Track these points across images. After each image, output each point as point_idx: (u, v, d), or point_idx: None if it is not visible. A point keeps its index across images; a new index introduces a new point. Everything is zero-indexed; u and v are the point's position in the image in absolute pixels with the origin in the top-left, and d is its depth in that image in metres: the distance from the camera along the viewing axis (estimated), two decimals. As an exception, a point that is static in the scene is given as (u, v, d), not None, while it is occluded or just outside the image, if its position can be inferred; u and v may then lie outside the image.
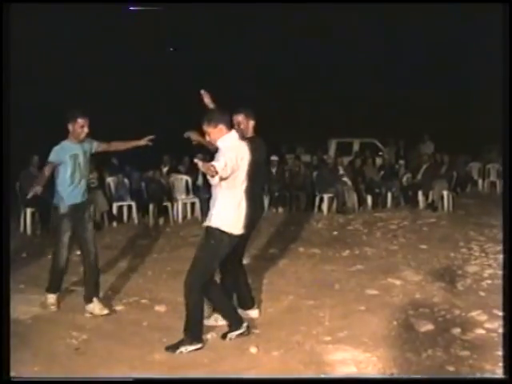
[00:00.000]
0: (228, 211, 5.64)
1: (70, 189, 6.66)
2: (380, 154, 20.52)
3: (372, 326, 6.18)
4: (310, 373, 5.09)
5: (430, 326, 6.08)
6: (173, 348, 5.69)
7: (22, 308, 6.90)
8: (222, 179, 5.44)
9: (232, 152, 5.55)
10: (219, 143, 5.68)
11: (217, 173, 5.26)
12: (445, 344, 5.64)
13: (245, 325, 5.96)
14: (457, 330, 5.96)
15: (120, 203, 13.23)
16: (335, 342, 5.76)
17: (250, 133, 6.57)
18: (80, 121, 6.60)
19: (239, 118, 6.54)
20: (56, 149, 6.62)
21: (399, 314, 6.49)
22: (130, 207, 13.31)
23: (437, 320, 6.31)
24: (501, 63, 5.78)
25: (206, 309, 6.04)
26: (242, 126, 6.50)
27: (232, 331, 5.95)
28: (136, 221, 13.17)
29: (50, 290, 7.02)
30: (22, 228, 11.99)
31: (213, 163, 5.32)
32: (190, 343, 5.68)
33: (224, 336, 5.96)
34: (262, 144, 6.55)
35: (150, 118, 22.66)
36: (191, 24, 25.16)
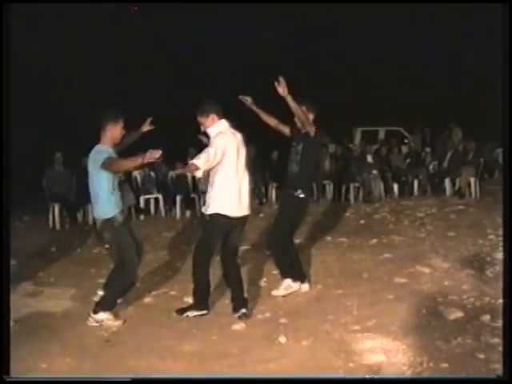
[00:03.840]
0: (224, 194, 6.17)
1: (115, 195, 6.27)
2: (406, 141, 20.40)
3: (401, 314, 6.15)
4: (339, 362, 5.08)
5: (459, 314, 6.04)
6: (180, 312, 6.45)
7: (51, 301, 6.98)
8: (211, 167, 6.08)
9: (220, 138, 6.12)
10: (209, 130, 6.24)
11: (198, 168, 5.93)
12: (474, 331, 5.60)
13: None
14: (486, 317, 5.91)
15: (147, 196, 13.31)
16: (364, 331, 5.75)
17: None
18: (121, 123, 6.28)
19: (302, 108, 6.66)
20: (106, 150, 6.13)
21: (428, 302, 6.45)
22: (156, 200, 13.40)
23: (466, 307, 6.27)
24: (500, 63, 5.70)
25: None
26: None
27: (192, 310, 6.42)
28: (163, 213, 13.24)
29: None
30: (50, 223, 12.10)
31: (193, 161, 5.96)
32: (196, 309, 6.39)
33: (181, 311, 6.46)
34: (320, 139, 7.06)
35: (175, 110, 22.77)
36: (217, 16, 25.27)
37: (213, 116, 6.22)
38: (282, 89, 6.40)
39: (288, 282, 6.97)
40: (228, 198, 6.17)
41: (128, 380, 4.81)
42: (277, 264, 7.16)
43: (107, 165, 5.98)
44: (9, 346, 4.96)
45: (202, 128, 6.30)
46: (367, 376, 4.81)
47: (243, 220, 6.44)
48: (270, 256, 7.27)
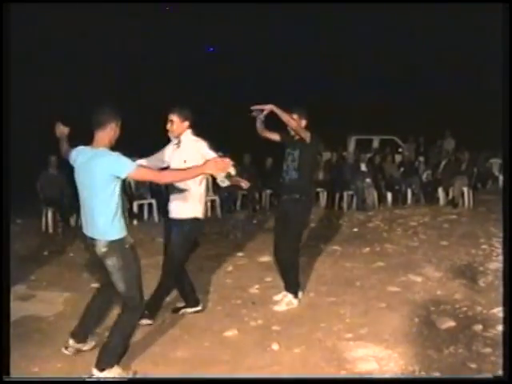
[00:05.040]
0: (199, 199, 6.22)
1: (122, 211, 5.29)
2: (400, 150, 20.46)
3: (393, 322, 6.17)
4: (332, 370, 5.09)
5: (451, 323, 6.06)
6: (176, 310, 6.68)
7: (44, 305, 6.96)
8: None
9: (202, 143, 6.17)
10: (186, 137, 6.18)
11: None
12: (466, 341, 5.62)
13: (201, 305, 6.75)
14: (478, 327, 5.94)
15: (141, 201, 13.28)
16: (356, 339, 5.76)
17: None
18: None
19: (293, 116, 6.64)
20: (119, 155, 4.81)
21: (420, 311, 6.48)
22: (150, 205, 13.37)
23: (458, 317, 6.29)
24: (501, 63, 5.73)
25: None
26: None
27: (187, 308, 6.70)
28: (156, 219, 13.21)
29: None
30: (43, 227, 12.07)
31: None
32: (191, 306, 6.66)
33: (177, 310, 6.70)
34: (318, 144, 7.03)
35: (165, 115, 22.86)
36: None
37: (187, 123, 6.18)
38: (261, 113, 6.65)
39: (290, 297, 6.91)
40: (201, 202, 6.27)
41: (125, 380, 4.81)
42: (283, 275, 7.09)
43: (141, 173, 4.91)
44: (9, 346, 4.95)
45: (172, 129, 6.17)
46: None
47: None
48: (281, 267, 7.16)
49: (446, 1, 21.80)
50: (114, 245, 4.90)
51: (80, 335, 5.54)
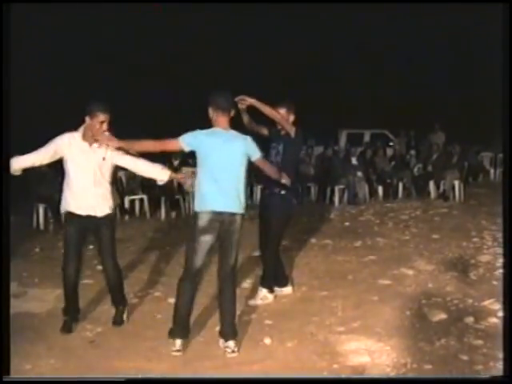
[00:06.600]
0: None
1: None
2: (391, 144, 20.49)
3: (385, 315, 6.19)
4: (324, 363, 5.11)
5: (442, 316, 6.08)
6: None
7: (36, 302, 6.95)
8: None
9: None
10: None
11: None
12: (458, 333, 5.64)
13: None
14: (470, 319, 5.96)
15: (132, 197, 13.25)
16: (348, 332, 5.78)
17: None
18: None
19: (281, 111, 6.60)
20: None
21: (412, 304, 6.50)
22: (141, 201, 13.34)
23: (450, 309, 6.31)
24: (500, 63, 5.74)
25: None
26: None
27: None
28: (148, 214, 13.20)
29: None
30: (34, 224, 12.04)
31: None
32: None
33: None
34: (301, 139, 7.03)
35: (162, 111, 22.81)
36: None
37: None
38: (241, 104, 6.39)
39: (265, 292, 6.90)
40: None
41: (122, 380, 4.81)
42: (266, 270, 7.00)
43: (262, 162, 5.75)
44: (9, 346, 4.93)
45: (103, 128, 5.79)
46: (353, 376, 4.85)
47: None
48: (262, 261, 7.14)
49: (446, 0, 21.77)
50: (241, 217, 5.60)
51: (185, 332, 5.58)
